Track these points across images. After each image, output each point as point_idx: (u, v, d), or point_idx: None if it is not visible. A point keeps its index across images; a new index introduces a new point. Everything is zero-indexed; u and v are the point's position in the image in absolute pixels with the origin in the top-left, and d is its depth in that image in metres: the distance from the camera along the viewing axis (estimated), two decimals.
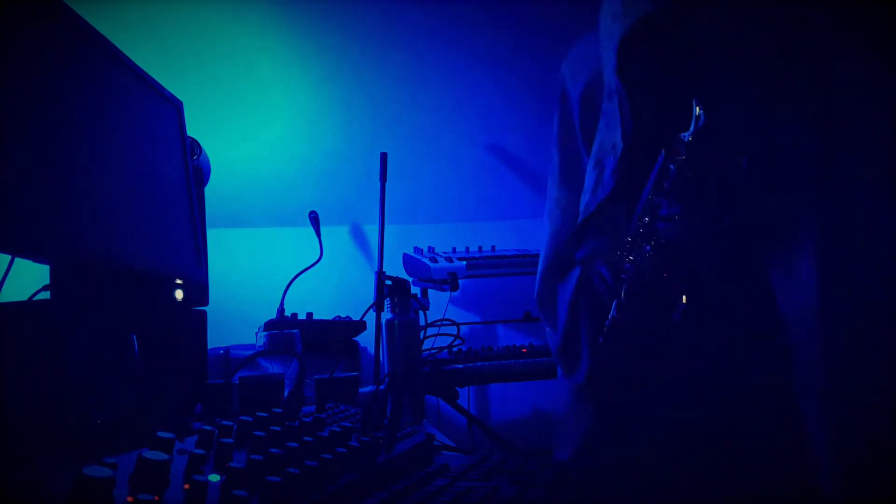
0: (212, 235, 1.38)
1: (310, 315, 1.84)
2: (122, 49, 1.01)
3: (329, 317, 1.86)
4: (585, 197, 0.90)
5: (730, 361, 0.82)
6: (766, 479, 0.80)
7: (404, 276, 1.82)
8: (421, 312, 1.61)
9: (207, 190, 1.51)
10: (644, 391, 0.87)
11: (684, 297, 0.79)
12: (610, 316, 0.84)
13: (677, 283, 0.80)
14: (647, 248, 0.80)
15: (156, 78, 1.13)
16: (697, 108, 0.74)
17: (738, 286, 0.81)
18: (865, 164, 0.72)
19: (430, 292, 1.93)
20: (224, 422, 0.67)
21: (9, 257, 1.05)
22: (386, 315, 1.43)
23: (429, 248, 1.91)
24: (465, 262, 1.78)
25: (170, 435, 0.56)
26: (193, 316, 1.22)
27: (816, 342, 0.72)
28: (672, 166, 0.77)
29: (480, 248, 1.97)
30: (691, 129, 0.75)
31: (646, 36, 0.79)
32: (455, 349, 1.72)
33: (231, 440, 0.61)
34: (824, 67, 0.74)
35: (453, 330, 1.71)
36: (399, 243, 2.01)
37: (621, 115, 0.83)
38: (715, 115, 0.74)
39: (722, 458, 0.82)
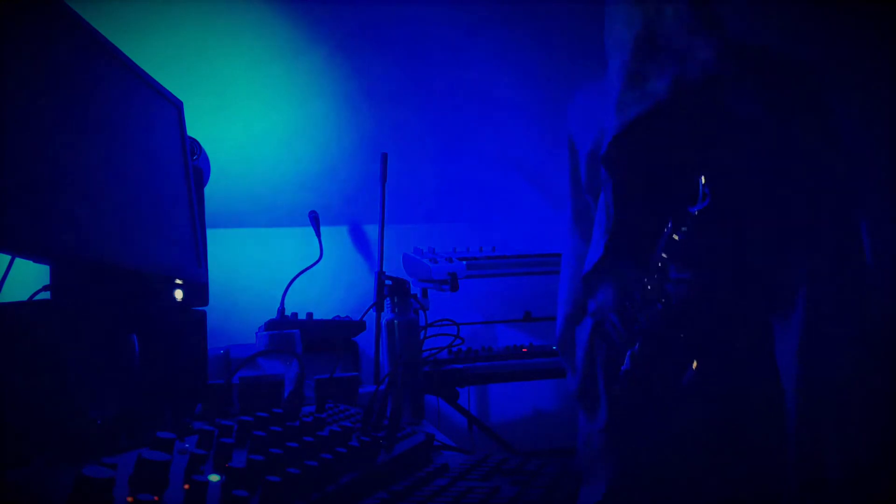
0: (212, 235, 1.38)
1: (310, 315, 1.84)
2: (122, 49, 1.01)
3: (329, 317, 1.87)
4: (589, 251, 0.91)
5: (736, 416, 0.83)
6: None
7: (404, 276, 1.82)
8: (421, 312, 1.61)
9: (207, 190, 1.51)
10: (661, 440, 0.88)
11: (695, 363, 0.80)
12: (623, 368, 0.85)
13: (688, 345, 0.81)
14: (659, 306, 0.81)
15: (156, 78, 1.13)
16: (703, 186, 0.75)
17: (746, 348, 0.82)
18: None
19: (430, 292, 1.93)
20: (224, 422, 0.67)
21: (9, 257, 1.05)
22: (386, 315, 1.43)
23: (429, 248, 1.91)
24: (465, 262, 1.78)
25: (170, 435, 0.56)
26: (193, 316, 1.22)
27: (794, 390, 0.73)
28: (679, 236, 0.78)
29: (480, 248, 1.97)
30: (697, 205, 0.76)
31: (644, 126, 0.79)
32: (455, 349, 1.72)
33: (231, 440, 0.61)
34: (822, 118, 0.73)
35: (453, 330, 1.71)
36: (399, 243, 2.01)
37: (609, 197, 0.84)
38: (720, 191, 0.75)
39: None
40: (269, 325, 1.73)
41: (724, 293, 0.81)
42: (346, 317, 1.89)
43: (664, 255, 0.81)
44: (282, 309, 1.85)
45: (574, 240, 1.01)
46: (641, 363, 0.84)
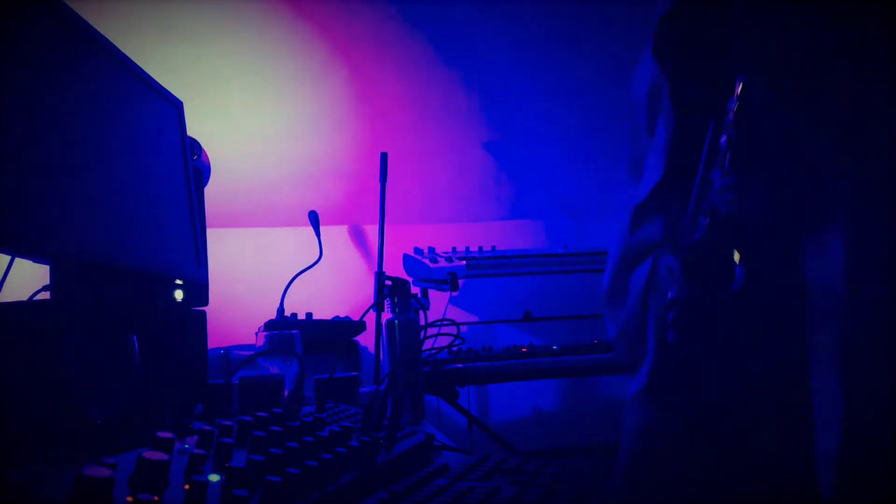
0: (212, 235, 1.38)
1: (310, 315, 1.84)
2: (122, 49, 1.01)
3: (329, 317, 1.86)
4: (644, 176, 0.94)
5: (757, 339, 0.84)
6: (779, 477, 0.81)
7: (404, 276, 1.82)
8: (421, 312, 1.61)
9: (207, 190, 1.51)
10: (702, 389, 0.89)
11: (738, 269, 0.81)
12: (669, 296, 0.87)
13: (733, 258, 0.83)
14: (705, 222, 0.83)
15: (155, 78, 1.13)
16: (739, 82, 0.78)
17: (776, 262, 0.83)
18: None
19: (430, 292, 1.93)
20: (224, 422, 0.67)
21: (9, 257, 1.05)
22: (386, 315, 1.43)
23: (429, 248, 1.91)
24: (465, 262, 1.78)
25: (170, 435, 0.56)
26: (193, 316, 1.22)
27: (838, 314, 0.74)
28: (722, 137, 0.80)
29: (480, 248, 1.97)
30: (735, 98, 0.79)
31: (686, 14, 0.84)
32: (455, 349, 1.72)
33: (231, 440, 0.61)
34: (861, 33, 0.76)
35: (453, 330, 1.71)
36: (399, 243, 2.01)
37: (667, 98, 0.88)
38: (756, 86, 0.78)
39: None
40: (269, 325, 1.73)
41: (765, 201, 0.83)
42: (346, 317, 1.89)
43: (708, 166, 0.84)
44: (282, 309, 1.85)
45: (629, 189, 1.04)
46: (688, 286, 0.86)
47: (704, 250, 0.84)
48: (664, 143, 0.92)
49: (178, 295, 1.21)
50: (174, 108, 1.20)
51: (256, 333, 1.29)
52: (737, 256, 0.81)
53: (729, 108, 0.81)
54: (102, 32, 0.95)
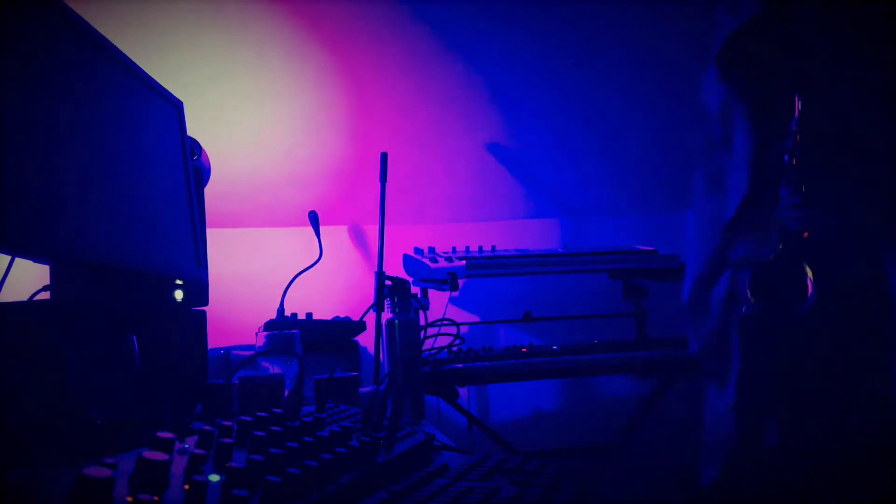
0: (212, 235, 1.38)
1: (310, 315, 1.84)
2: (122, 49, 1.01)
3: (329, 317, 1.86)
4: (729, 203, 0.95)
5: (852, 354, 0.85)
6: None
7: (404, 276, 1.82)
8: (421, 312, 1.60)
9: (207, 190, 1.51)
10: (788, 397, 0.90)
11: (811, 287, 0.82)
12: (743, 311, 0.87)
13: (804, 276, 0.83)
14: (775, 239, 0.84)
15: (155, 78, 1.13)
16: (798, 100, 0.79)
17: (858, 276, 0.84)
18: None
19: (430, 292, 1.93)
20: (224, 422, 0.67)
21: (9, 257, 1.05)
22: (386, 315, 1.43)
23: (429, 248, 1.91)
24: (465, 262, 1.78)
25: (170, 435, 0.56)
26: (193, 316, 1.22)
27: None
28: (786, 155, 0.81)
29: (480, 248, 1.97)
30: (795, 117, 0.80)
31: (754, 32, 0.85)
32: (455, 349, 1.72)
33: (231, 440, 0.61)
34: None
35: (453, 330, 1.71)
36: (399, 243, 2.01)
37: (742, 114, 0.89)
38: (816, 104, 0.79)
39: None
40: (269, 325, 1.73)
41: (833, 216, 0.83)
42: (346, 317, 1.89)
43: (777, 182, 0.85)
44: (282, 309, 1.85)
45: (707, 204, 1.05)
46: (760, 302, 0.86)
47: (775, 268, 0.85)
48: (747, 159, 0.92)
49: (178, 295, 1.21)
50: (174, 108, 1.20)
51: (256, 333, 1.29)
52: (809, 273, 0.82)
53: (791, 127, 0.82)
54: (102, 32, 0.95)
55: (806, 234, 0.83)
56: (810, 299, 0.81)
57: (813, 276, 0.82)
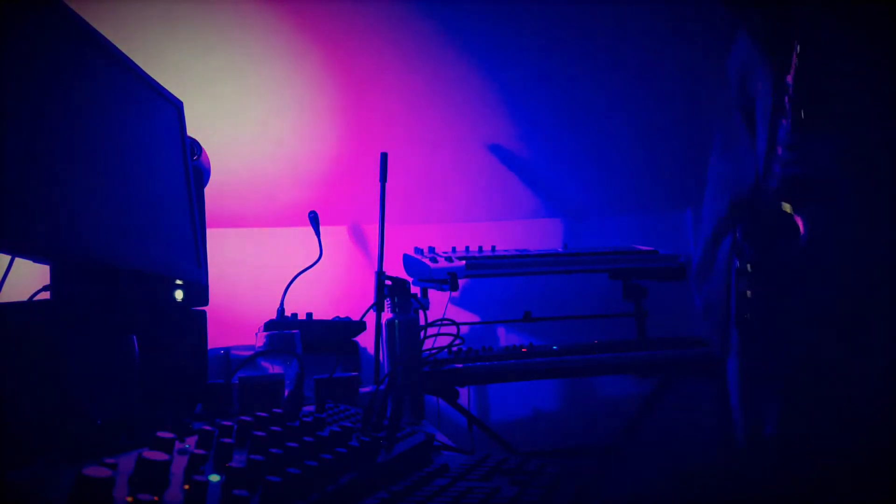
0: (212, 235, 1.38)
1: (310, 315, 1.84)
2: (122, 49, 1.01)
3: (329, 317, 1.87)
4: (757, 145, 0.96)
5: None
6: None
7: (404, 276, 1.82)
8: (421, 312, 1.60)
9: (207, 190, 1.51)
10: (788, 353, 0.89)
11: (801, 226, 0.81)
12: (738, 265, 0.87)
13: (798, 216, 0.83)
14: (774, 184, 0.83)
15: (155, 78, 1.13)
16: (797, 47, 0.79)
17: (853, 221, 0.83)
18: None
19: (430, 292, 1.93)
20: (224, 422, 0.67)
21: (9, 257, 1.05)
22: (386, 315, 1.43)
23: (429, 248, 1.91)
24: (465, 262, 1.78)
25: (170, 435, 0.56)
26: (193, 316, 1.22)
27: None
28: (785, 97, 0.82)
29: (480, 248, 1.97)
30: (794, 55, 0.80)
31: None
32: (455, 349, 1.72)
33: (231, 440, 0.61)
34: None
35: (453, 330, 1.71)
36: (399, 243, 2.01)
37: (760, 62, 0.89)
38: (815, 55, 0.79)
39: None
40: (269, 325, 1.73)
41: (833, 159, 0.83)
42: (346, 317, 1.89)
43: (773, 137, 0.85)
44: (282, 309, 1.85)
45: (721, 165, 1.05)
46: (754, 244, 0.86)
47: (773, 214, 0.84)
48: (765, 114, 0.92)
49: (178, 295, 1.21)
50: (174, 108, 1.20)
51: (256, 333, 1.29)
52: (789, 208, 0.82)
53: (791, 66, 0.81)
54: (103, 33, 0.95)
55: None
56: (802, 239, 0.81)
57: (807, 218, 0.82)
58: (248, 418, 0.70)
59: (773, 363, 0.90)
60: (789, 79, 0.82)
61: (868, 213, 0.80)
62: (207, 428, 0.64)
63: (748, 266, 0.88)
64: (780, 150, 0.83)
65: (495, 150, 2.27)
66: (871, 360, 0.82)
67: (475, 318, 2.19)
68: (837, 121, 0.83)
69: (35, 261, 0.84)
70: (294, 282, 1.90)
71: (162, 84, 1.15)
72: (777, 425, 0.89)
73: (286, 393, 1.12)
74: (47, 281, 0.89)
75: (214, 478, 0.54)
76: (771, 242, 0.85)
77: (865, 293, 0.81)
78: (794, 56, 0.81)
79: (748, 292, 0.88)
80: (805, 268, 0.84)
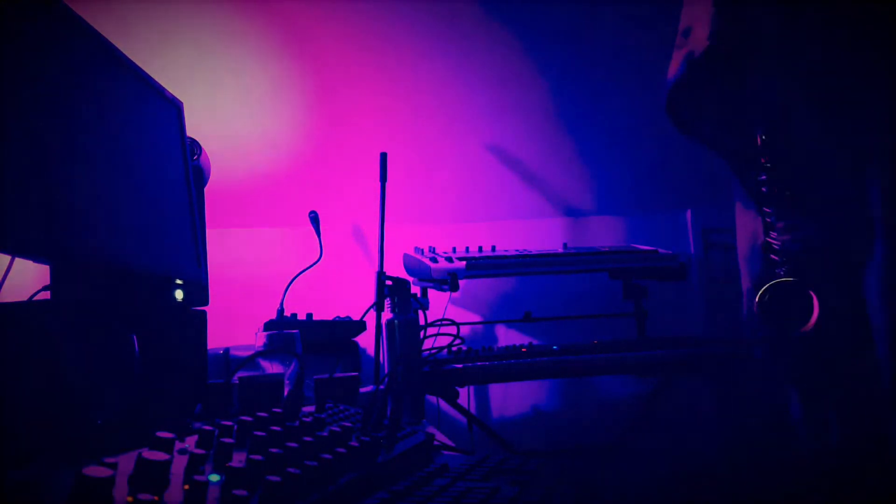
0: (212, 235, 1.38)
1: (310, 315, 1.84)
2: (122, 49, 1.01)
3: (329, 317, 1.87)
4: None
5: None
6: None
7: (404, 276, 1.82)
8: (421, 312, 1.60)
9: (207, 190, 1.51)
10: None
11: (815, 313, 0.83)
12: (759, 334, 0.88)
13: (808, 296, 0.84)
14: (776, 262, 0.85)
15: (155, 78, 1.13)
16: (759, 137, 0.81)
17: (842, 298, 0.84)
18: None
19: (430, 292, 1.93)
20: (224, 422, 0.67)
21: (9, 257, 1.05)
22: (386, 315, 1.43)
23: (429, 248, 1.91)
24: (465, 262, 1.78)
25: (170, 435, 0.56)
26: (193, 316, 1.22)
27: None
28: (763, 187, 0.82)
29: (480, 248, 1.97)
30: (759, 148, 0.81)
31: (700, 78, 0.86)
32: (455, 349, 1.72)
33: (231, 440, 0.61)
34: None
35: (453, 330, 1.71)
36: (399, 243, 2.01)
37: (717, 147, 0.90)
38: (777, 135, 0.80)
39: None
40: (269, 325, 1.73)
41: (819, 237, 0.84)
42: (346, 317, 1.89)
43: (763, 205, 0.86)
44: (282, 309, 1.85)
45: (744, 218, 1.06)
46: (768, 324, 0.87)
47: (780, 290, 0.85)
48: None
49: (178, 295, 1.21)
50: (174, 108, 1.20)
51: (256, 333, 1.29)
52: (811, 295, 0.82)
53: (760, 158, 0.82)
54: (103, 33, 0.95)
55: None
56: (813, 320, 0.82)
57: (814, 297, 0.83)
58: (248, 418, 0.70)
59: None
60: (763, 161, 0.83)
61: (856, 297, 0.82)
62: (207, 428, 0.64)
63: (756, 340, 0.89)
64: (773, 235, 0.85)
65: (496, 150, 2.27)
66: None
67: (475, 318, 2.19)
68: (817, 196, 0.85)
69: (35, 261, 0.84)
70: (294, 282, 1.90)
71: (162, 84, 1.15)
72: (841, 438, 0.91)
73: (286, 393, 1.12)
74: (47, 281, 0.89)
75: (214, 478, 0.54)
76: (780, 322, 0.87)
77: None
78: (760, 141, 0.82)
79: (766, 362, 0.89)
80: (813, 353, 0.85)
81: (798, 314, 0.85)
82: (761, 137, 0.82)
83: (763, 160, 0.83)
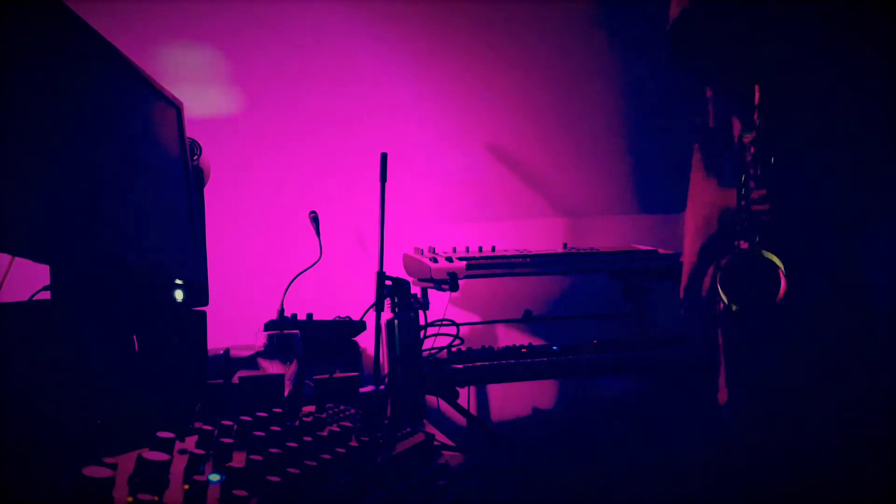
0: (212, 235, 1.38)
1: (310, 315, 1.84)
2: (122, 49, 1.01)
3: (329, 317, 1.87)
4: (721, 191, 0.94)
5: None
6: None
7: (404, 276, 1.82)
8: (421, 312, 1.60)
9: (207, 190, 1.51)
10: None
11: (783, 281, 0.81)
12: (720, 307, 0.87)
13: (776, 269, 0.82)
14: (746, 232, 0.83)
15: (156, 78, 1.13)
16: (756, 90, 0.78)
17: (832, 260, 0.83)
18: None
19: (430, 292, 1.93)
20: (224, 422, 0.67)
21: (9, 257, 1.05)
22: (386, 315, 1.43)
23: (429, 248, 1.91)
24: (465, 262, 1.78)
25: (170, 435, 0.56)
26: (193, 316, 1.22)
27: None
28: (751, 147, 0.80)
29: (480, 248, 1.97)
30: (755, 105, 0.79)
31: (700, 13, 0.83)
32: (455, 349, 1.72)
33: (231, 440, 0.61)
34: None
35: (453, 330, 1.71)
36: (399, 243, 2.01)
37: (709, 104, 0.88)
38: (775, 94, 0.78)
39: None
40: (269, 325, 1.73)
41: (802, 205, 0.82)
42: (346, 317, 1.89)
43: (745, 174, 0.84)
44: (282, 309, 1.85)
45: (703, 191, 1.03)
46: (731, 297, 0.85)
47: (748, 262, 0.84)
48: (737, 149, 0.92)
49: (178, 295, 1.21)
50: (174, 108, 1.20)
51: (256, 333, 1.29)
52: (779, 265, 0.81)
53: (752, 117, 0.80)
54: (102, 33, 0.95)
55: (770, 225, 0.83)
56: (783, 293, 0.81)
57: (785, 269, 0.81)
58: (248, 418, 0.70)
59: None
60: (753, 126, 0.81)
61: (848, 261, 0.80)
62: (207, 428, 0.64)
63: (732, 306, 0.87)
64: (752, 196, 0.83)
65: (495, 150, 2.27)
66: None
67: (475, 318, 2.19)
68: (809, 162, 0.83)
69: (35, 261, 0.84)
70: (294, 282, 1.90)
71: (162, 84, 1.15)
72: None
73: (286, 393, 1.12)
74: (47, 281, 0.89)
75: (214, 478, 0.55)
76: (746, 295, 0.85)
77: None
78: (755, 106, 0.80)
79: (730, 336, 0.88)
80: (785, 323, 0.84)
81: (761, 288, 0.84)
82: (760, 90, 0.80)
83: (755, 116, 0.81)
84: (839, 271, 0.82)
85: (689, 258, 1.03)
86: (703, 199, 1.00)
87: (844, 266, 0.81)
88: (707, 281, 0.98)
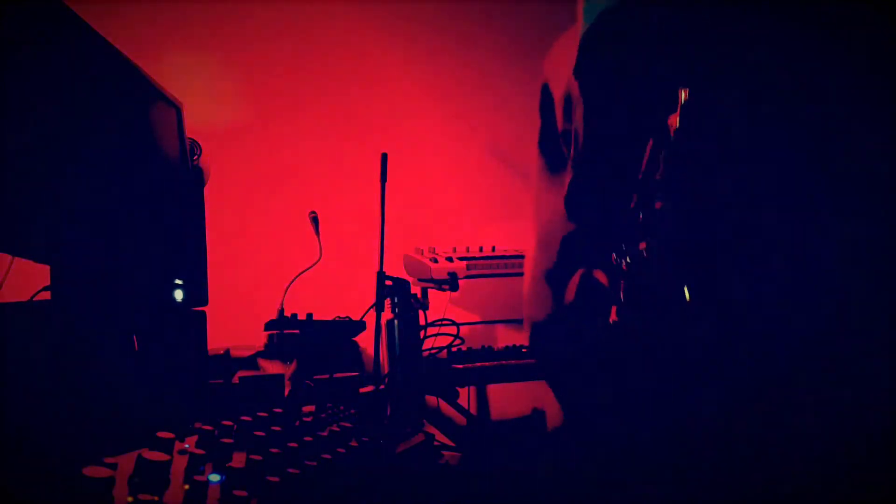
0: (212, 235, 1.38)
1: (310, 315, 1.84)
2: (122, 49, 1.01)
3: (329, 317, 1.87)
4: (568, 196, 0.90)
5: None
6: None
7: (404, 276, 1.82)
8: (421, 312, 1.60)
9: (207, 190, 1.50)
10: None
11: (687, 295, 0.77)
12: (611, 320, 0.83)
13: (677, 283, 0.78)
14: (646, 245, 0.79)
15: (156, 78, 1.13)
16: (683, 93, 0.74)
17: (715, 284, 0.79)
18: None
19: (430, 292, 1.93)
20: (224, 422, 0.67)
21: (9, 257, 1.05)
22: (386, 315, 1.43)
23: (429, 248, 1.91)
24: (465, 262, 1.78)
25: (170, 435, 0.56)
26: (193, 316, 1.22)
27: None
28: (663, 153, 0.76)
29: (480, 248, 1.97)
30: (679, 109, 0.74)
31: (612, 31, 0.79)
32: (455, 349, 1.72)
33: (231, 440, 0.61)
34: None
35: (453, 330, 1.71)
36: (399, 243, 2.01)
37: (579, 123, 0.83)
38: (699, 99, 0.74)
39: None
40: (270, 325, 1.73)
41: (703, 222, 0.78)
42: (346, 317, 1.89)
43: (647, 184, 0.79)
44: (282, 309, 1.85)
45: (550, 195, 0.98)
46: (628, 312, 0.82)
47: (644, 275, 0.79)
48: (574, 159, 0.87)
49: (178, 295, 1.21)
50: (174, 108, 1.20)
51: (257, 333, 1.29)
52: (684, 286, 0.77)
53: (664, 126, 0.75)
54: (102, 33, 0.95)
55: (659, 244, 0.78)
56: (685, 310, 0.77)
57: (685, 285, 0.77)
58: (248, 418, 0.70)
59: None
60: (669, 133, 0.76)
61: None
62: (207, 428, 0.64)
63: (613, 325, 0.83)
64: (652, 210, 0.78)
65: (495, 150, 2.27)
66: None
67: (475, 318, 2.19)
68: (717, 180, 0.78)
69: (35, 261, 0.84)
70: (294, 282, 1.90)
71: (162, 84, 1.15)
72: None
73: (286, 393, 1.12)
74: (47, 281, 0.89)
75: (214, 478, 0.55)
76: (644, 308, 0.81)
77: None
78: (679, 110, 0.75)
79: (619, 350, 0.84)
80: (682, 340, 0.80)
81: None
82: (685, 94, 0.75)
83: (666, 128, 0.76)
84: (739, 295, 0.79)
85: (539, 265, 0.98)
86: (550, 209, 0.96)
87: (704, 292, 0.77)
88: (573, 285, 0.93)
